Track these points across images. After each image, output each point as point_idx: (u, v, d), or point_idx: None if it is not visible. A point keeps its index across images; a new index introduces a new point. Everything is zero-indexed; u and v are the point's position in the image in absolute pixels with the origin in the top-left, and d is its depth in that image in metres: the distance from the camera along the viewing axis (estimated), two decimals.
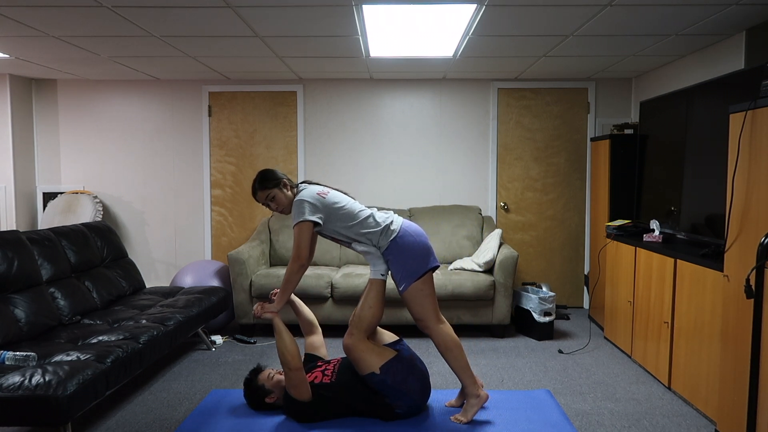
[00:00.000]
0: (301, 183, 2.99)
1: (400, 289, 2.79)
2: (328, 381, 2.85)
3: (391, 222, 2.85)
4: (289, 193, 2.95)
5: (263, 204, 2.98)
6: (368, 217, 2.86)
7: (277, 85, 5.40)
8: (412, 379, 2.79)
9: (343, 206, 2.85)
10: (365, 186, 5.44)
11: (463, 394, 2.99)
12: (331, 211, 2.82)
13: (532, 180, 5.41)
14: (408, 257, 2.77)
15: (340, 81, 5.40)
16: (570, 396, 3.28)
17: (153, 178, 5.50)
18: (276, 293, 2.96)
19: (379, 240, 2.82)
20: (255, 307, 2.91)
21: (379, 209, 3.03)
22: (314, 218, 2.78)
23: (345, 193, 2.98)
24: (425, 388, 2.88)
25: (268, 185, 2.92)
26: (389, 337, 3.00)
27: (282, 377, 2.95)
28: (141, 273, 5.33)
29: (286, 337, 2.77)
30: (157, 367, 3.78)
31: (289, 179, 3.01)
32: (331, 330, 4.56)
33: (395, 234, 2.79)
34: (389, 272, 2.86)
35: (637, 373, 3.65)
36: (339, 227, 2.84)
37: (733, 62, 3.74)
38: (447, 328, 2.83)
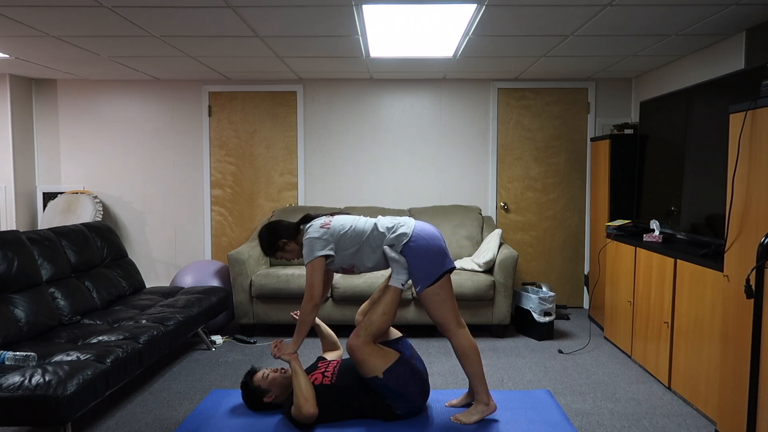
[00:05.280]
0: (304, 221, 2.94)
1: (417, 290, 2.77)
2: (328, 383, 2.85)
3: (399, 227, 2.80)
4: (297, 239, 2.94)
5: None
6: (373, 230, 2.82)
7: (277, 85, 5.40)
8: (412, 381, 2.79)
9: (348, 228, 2.83)
10: (365, 186, 5.44)
11: (469, 396, 3.00)
12: (339, 238, 2.80)
13: (532, 180, 5.41)
14: (422, 260, 2.73)
15: (340, 81, 5.40)
16: (570, 396, 3.28)
17: (153, 178, 5.49)
18: (296, 314, 3.00)
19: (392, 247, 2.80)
20: (273, 345, 2.89)
21: (385, 214, 2.97)
22: (324, 252, 2.77)
23: (348, 213, 2.97)
24: (425, 390, 2.88)
25: (274, 250, 2.95)
26: (392, 333, 3.00)
27: (277, 375, 2.97)
28: (141, 273, 5.33)
29: (302, 381, 2.75)
30: (157, 367, 3.78)
31: (291, 228, 2.95)
32: (331, 330, 4.55)
33: (407, 238, 2.75)
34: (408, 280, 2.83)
35: (637, 373, 3.65)
36: (351, 252, 2.81)
37: (733, 62, 3.74)
38: (466, 333, 2.81)
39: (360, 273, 2.90)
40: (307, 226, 2.90)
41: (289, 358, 2.83)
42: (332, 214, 2.94)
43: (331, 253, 2.79)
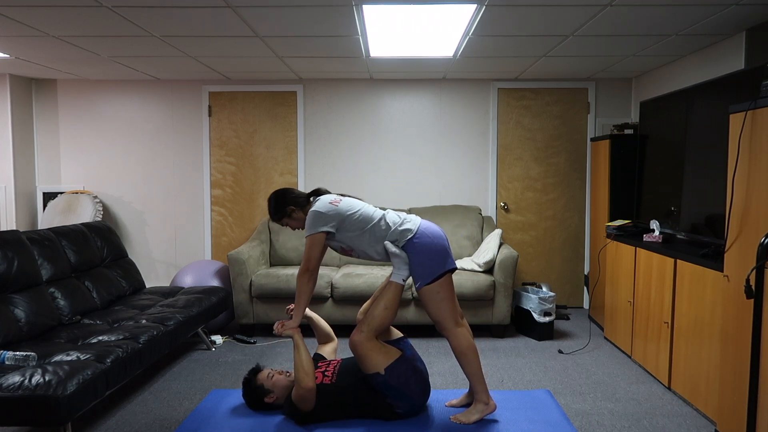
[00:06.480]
0: (315, 194, 2.96)
1: (416, 286, 2.79)
2: (329, 382, 2.85)
3: (405, 223, 2.81)
4: (305, 210, 2.93)
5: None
6: (380, 220, 2.83)
7: (277, 85, 5.40)
8: (414, 380, 2.79)
9: (356, 212, 2.83)
10: (365, 186, 5.44)
11: (470, 396, 2.99)
12: (344, 218, 2.80)
13: (532, 180, 5.41)
14: (424, 258, 2.74)
15: (340, 81, 5.40)
16: (570, 396, 3.28)
17: (153, 178, 5.49)
18: (292, 308, 2.98)
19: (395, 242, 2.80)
20: (276, 324, 2.89)
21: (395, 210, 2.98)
22: (325, 228, 2.77)
23: (360, 199, 2.96)
24: (425, 390, 2.88)
25: (280, 215, 2.94)
26: (394, 333, 3.00)
27: (281, 377, 2.96)
28: (141, 273, 5.33)
29: (303, 355, 2.76)
30: (157, 367, 3.78)
31: (302, 197, 2.96)
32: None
33: (412, 235, 2.76)
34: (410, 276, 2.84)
35: (637, 373, 3.65)
36: (353, 235, 2.81)
37: (733, 62, 3.74)
38: (465, 332, 2.81)
39: (359, 258, 2.91)
40: (316, 198, 2.91)
41: (291, 332, 2.84)
42: (343, 195, 2.95)
43: (332, 231, 2.79)
